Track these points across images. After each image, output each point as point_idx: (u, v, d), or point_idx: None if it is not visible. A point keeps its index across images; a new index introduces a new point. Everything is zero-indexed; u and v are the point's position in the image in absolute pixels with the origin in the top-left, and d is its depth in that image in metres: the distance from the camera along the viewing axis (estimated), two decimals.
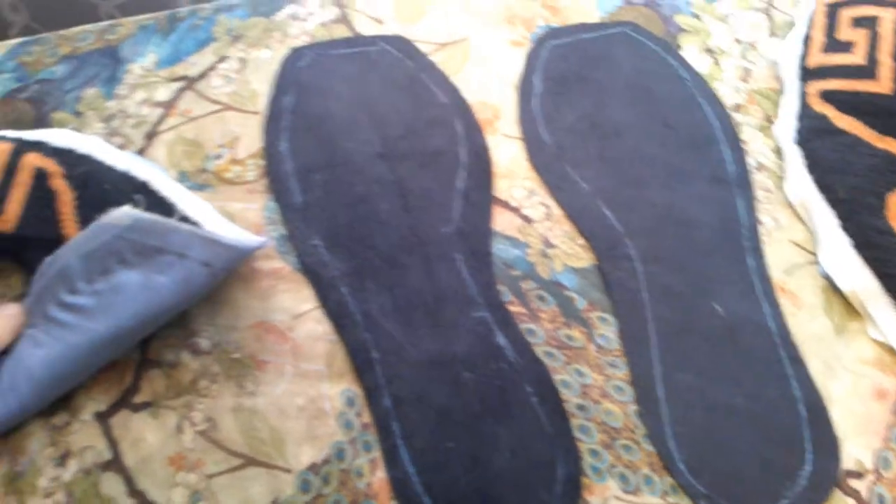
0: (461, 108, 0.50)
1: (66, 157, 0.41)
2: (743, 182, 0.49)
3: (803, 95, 0.50)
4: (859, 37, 0.50)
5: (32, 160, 0.40)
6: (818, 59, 0.51)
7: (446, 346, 0.42)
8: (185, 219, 0.40)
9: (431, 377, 0.41)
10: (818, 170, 0.47)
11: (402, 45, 0.53)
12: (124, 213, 0.37)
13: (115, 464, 0.39)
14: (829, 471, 0.41)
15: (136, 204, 0.39)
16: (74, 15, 0.91)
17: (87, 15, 0.91)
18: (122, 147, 0.47)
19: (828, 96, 0.49)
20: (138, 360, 0.41)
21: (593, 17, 0.55)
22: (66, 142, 0.42)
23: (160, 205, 0.41)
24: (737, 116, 0.52)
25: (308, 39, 0.52)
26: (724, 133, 0.51)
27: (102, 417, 0.40)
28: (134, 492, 0.38)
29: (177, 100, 0.49)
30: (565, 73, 0.53)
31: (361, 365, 0.41)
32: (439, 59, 0.52)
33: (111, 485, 0.38)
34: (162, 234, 0.38)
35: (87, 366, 0.38)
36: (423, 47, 0.53)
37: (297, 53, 0.52)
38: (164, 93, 0.49)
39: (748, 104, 0.52)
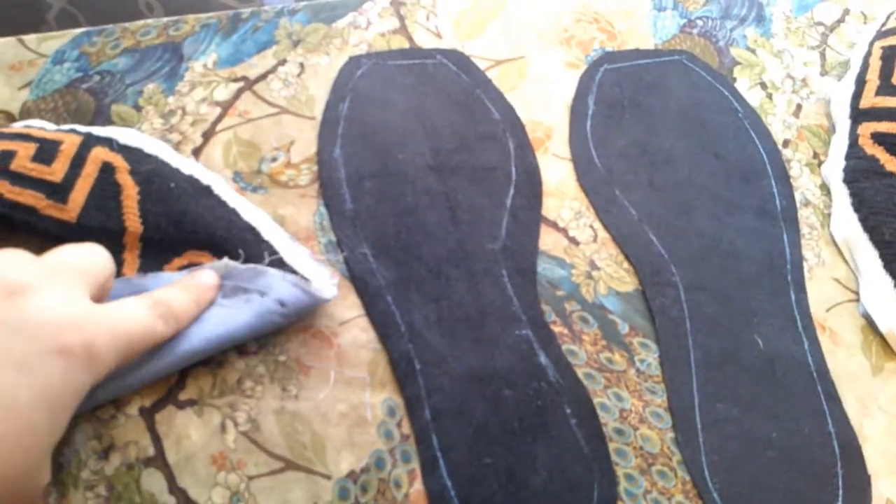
0: (514, 125, 0.51)
1: (133, 154, 0.42)
2: (790, 217, 0.50)
3: (854, 136, 0.51)
4: None
5: (100, 154, 0.41)
6: (871, 100, 0.51)
7: (488, 361, 0.43)
8: (273, 257, 0.41)
9: (472, 391, 0.42)
10: (864, 210, 0.48)
11: (459, 60, 0.54)
12: (223, 265, 0.40)
13: (157, 460, 0.39)
14: None
15: (236, 257, 0.40)
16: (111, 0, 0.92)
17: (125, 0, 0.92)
18: (179, 144, 0.48)
19: (879, 138, 0.49)
20: None
21: (649, 43, 0.56)
22: (134, 141, 0.43)
23: (223, 206, 0.42)
24: (786, 152, 0.52)
25: (367, 48, 0.53)
26: (774, 168, 0.52)
27: (148, 413, 0.40)
28: (175, 489, 0.39)
29: (235, 100, 0.50)
30: (619, 97, 0.54)
31: (403, 375, 0.42)
32: (495, 75, 0.53)
33: (152, 481, 0.39)
34: (251, 278, 0.40)
35: (152, 376, 0.39)
36: (480, 63, 0.54)
37: (354, 61, 0.53)
38: (223, 92, 0.50)
39: (798, 140, 0.53)
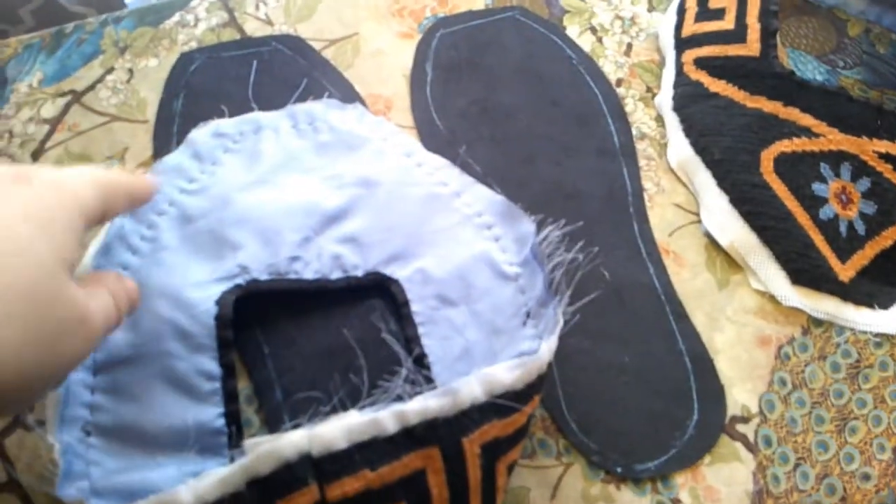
0: (353, 102, 0.51)
1: None
2: (628, 152, 0.51)
3: (680, 64, 0.52)
4: (729, 3, 0.52)
5: None
6: (692, 28, 0.52)
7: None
8: None
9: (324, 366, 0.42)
10: (695, 133, 0.49)
11: (294, 44, 0.54)
12: None
13: (10, 484, 0.39)
14: (715, 418, 0.42)
15: None
16: None
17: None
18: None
19: (701, 63, 0.51)
20: None
21: (479, 3, 0.57)
22: None
23: None
24: (620, 91, 0.53)
25: (197, 45, 0.53)
26: (609, 107, 0.53)
27: None
28: None
29: (63, 115, 0.49)
30: (456, 60, 0.54)
31: (252, 361, 0.42)
32: (330, 55, 0.53)
33: None
34: None
35: None
36: (314, 45, 0.54)
37: (186, 58, 0.52)
38: (50, 109, 0.49)
39: (630, 78, 0.54)
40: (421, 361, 0.40)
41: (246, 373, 0.42)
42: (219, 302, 0.40)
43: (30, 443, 0.40)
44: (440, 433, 0.31)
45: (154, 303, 0.40)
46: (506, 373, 0.33)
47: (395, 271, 0.43)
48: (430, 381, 0.35)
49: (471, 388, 0.32)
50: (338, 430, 0.30)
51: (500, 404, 0.33)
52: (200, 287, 0.41)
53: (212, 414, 0.38)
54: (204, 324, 0.40)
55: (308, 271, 0.42)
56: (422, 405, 0.31)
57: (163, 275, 0.41)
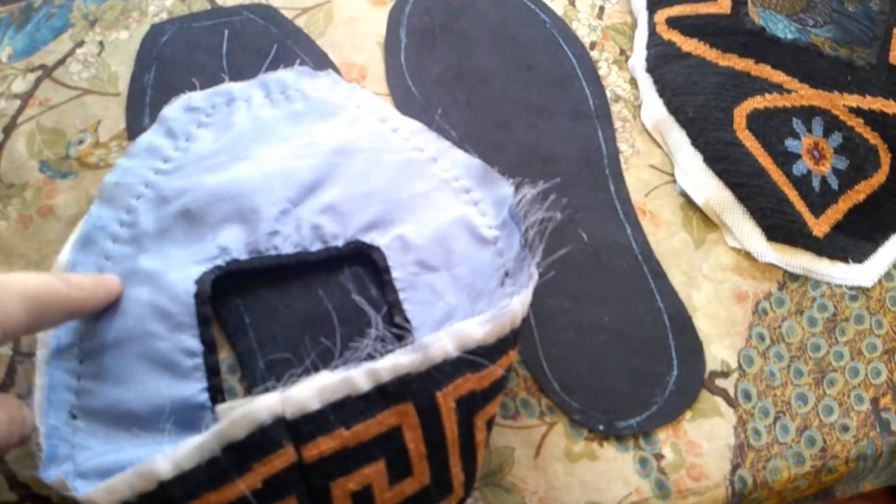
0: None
1: None
2: (603, 114, 0.51)
3: (652, 25, 0.52)
4: None
5: None
6: None
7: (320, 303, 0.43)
8: None
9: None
10: (668, 93, 0.49)
11: (265, 13, 0.53)
12: None
13: None
14: (694, 374, 0.43)
15: None
16: None
17: None
18: None
19: (673, 22, 0.51)
20: (9, 356, 0.41)
21: None
22: None
23: None
24: (594, 54, 0.53)
25: (167, 16, 0.52)
26: (584, 70, 0.53)
27: None
28: (16, 485, 0.38)
29: (35, 90, 0.49)
30: (430, 26, 0.54)
31: (234, 331, 0.42)
32: (303, 23, 0.53)
33: None
34: None
35: None
36: (286, 13, 0.53)
37: (157, 29, 0.52)
38: (20, 84, 0.49)
39: (603, 41, 0.54)
40: (403, 327, 0.40)
41: (228, 343, 0.42)
42: (198, 281, 0.40)
43: None
44: (413, 389, 0.32)
45: (136, 288, 0.40)
46: (477, 327, 0.33)
47: (375, 238, 0.43)
48: (401, 339, 0.35)
49: (442, 343, 0.32)
50: (310, 390, 0.31)
51: (473, 359, 0.33)
52: (180, 269, 0.41)
53: (195, 389, 0.38)
54: (183, 303, 0.40)
55: (287, 245, 0.42)
56: (393, 362, 0.32)
57: (143, 260, 0.41)
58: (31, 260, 0.43)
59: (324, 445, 0.30)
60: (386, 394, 0.32)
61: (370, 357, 0.33)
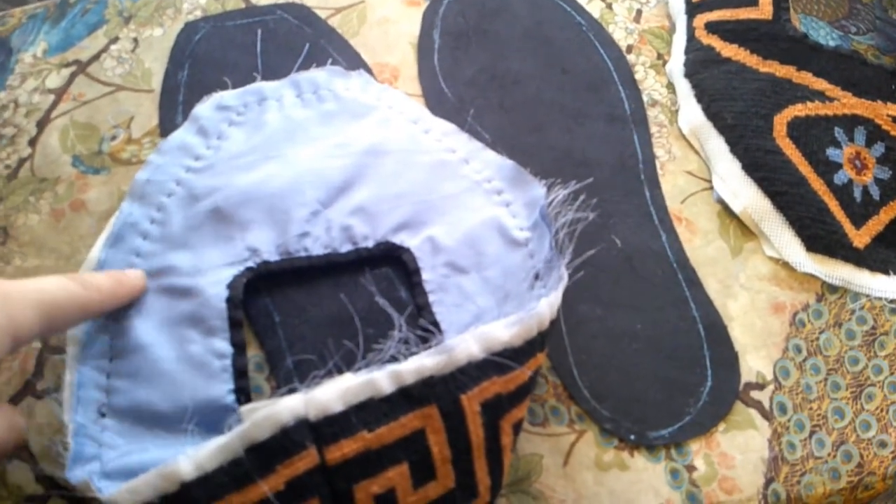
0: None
1: None
2: (639, 119, 0.50)
3: (691, 29, 0.51)
4: None
5: None
6: None
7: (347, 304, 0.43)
8: None
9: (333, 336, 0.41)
10: (706, 98, 0.49)
11: (299, 12, 0.53)
12: None
13: (21, 451, 0.38)
14: (729, 385, 0.42)
15: None
16: None
17: None
18: (14, 136, 0.47)
19: (712, 27, 0.50)
20: (38, 350, 0.41)
21: None
22: None
23: None
24: (630, 58, 0.53)
25: (201, 14, 0.52)
26: (620, 74, 0.52)
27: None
28: (41, 477, 0.38)
29: (69, 85, 0.49)
30: (463, 27, 0.54)
31: (263, 330, 0.42)
32: (336, 23, 0.53)
33: (18, 473, 0.38)
34: None
35: None
36: (320, 13, 0.53)
37: (191, 27, 0.52)
38: (55, 79, 0.49)
39: (640, 45, 0.53)
40: (431, 330, 0.40)
41: (257, 341, 0.41)
42: (230, 286, 0.40)
43: (39, 410, 0.39)
44: (437, 391, 0.31)
45: (166, 289, 0.40)
46: (503, 329, 0.33)
47: (405, 240, 0.43)
48: (426, 341, 0.34)
49: (467, 345, 0.32)
50: (333, 392, 0.30)
51: (499, 362, 0.32)
52: (211, 272, 0.41)
53: (222, 391, 0.38)
54: (215, 307, 0.40)
55: (317, 246, 0.42)
56: (417, 364, 0.31)
57: (173, 258, 0.41)
58: (62, 253, 0.43)
59: (347, 447, 0.30)
60: (409, 396, 0.31)
61: (394, 359, 0.33)
